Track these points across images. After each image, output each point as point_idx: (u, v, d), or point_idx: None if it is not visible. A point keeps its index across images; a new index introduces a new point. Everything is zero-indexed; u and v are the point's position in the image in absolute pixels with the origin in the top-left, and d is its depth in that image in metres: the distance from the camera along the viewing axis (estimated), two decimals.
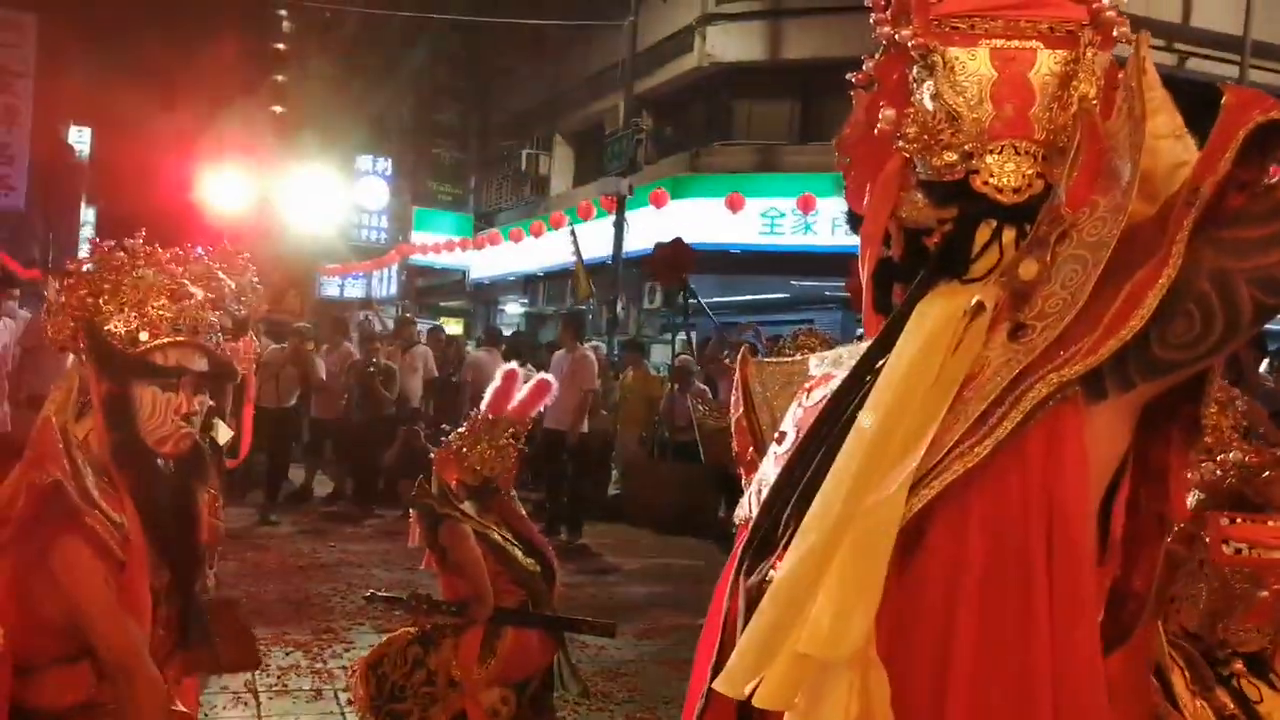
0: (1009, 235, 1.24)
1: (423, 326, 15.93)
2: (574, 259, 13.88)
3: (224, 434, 3.63)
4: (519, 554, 3.91)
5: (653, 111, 17.80)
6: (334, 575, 7.78)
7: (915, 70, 1.27)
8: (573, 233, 14.00)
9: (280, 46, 43.38)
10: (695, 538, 9.62)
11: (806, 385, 1.51)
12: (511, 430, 3.98)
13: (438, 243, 21.47)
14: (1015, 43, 1.22)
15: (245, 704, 5.06)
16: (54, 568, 2.05)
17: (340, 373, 11.24)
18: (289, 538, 9.15)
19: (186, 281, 2.29)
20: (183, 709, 2.45)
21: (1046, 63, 1.22)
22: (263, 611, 6.58)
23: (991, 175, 1.22)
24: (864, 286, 1.41)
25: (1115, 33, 1.23)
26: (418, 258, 22.80)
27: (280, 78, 43.88)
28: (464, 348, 14.08)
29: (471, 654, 3.73)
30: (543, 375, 4.28)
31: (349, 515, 10.43)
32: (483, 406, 4.03)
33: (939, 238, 1.28)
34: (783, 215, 15.26)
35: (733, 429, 1.70)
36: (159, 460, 2.25)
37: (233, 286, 3.65)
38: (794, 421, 1.46)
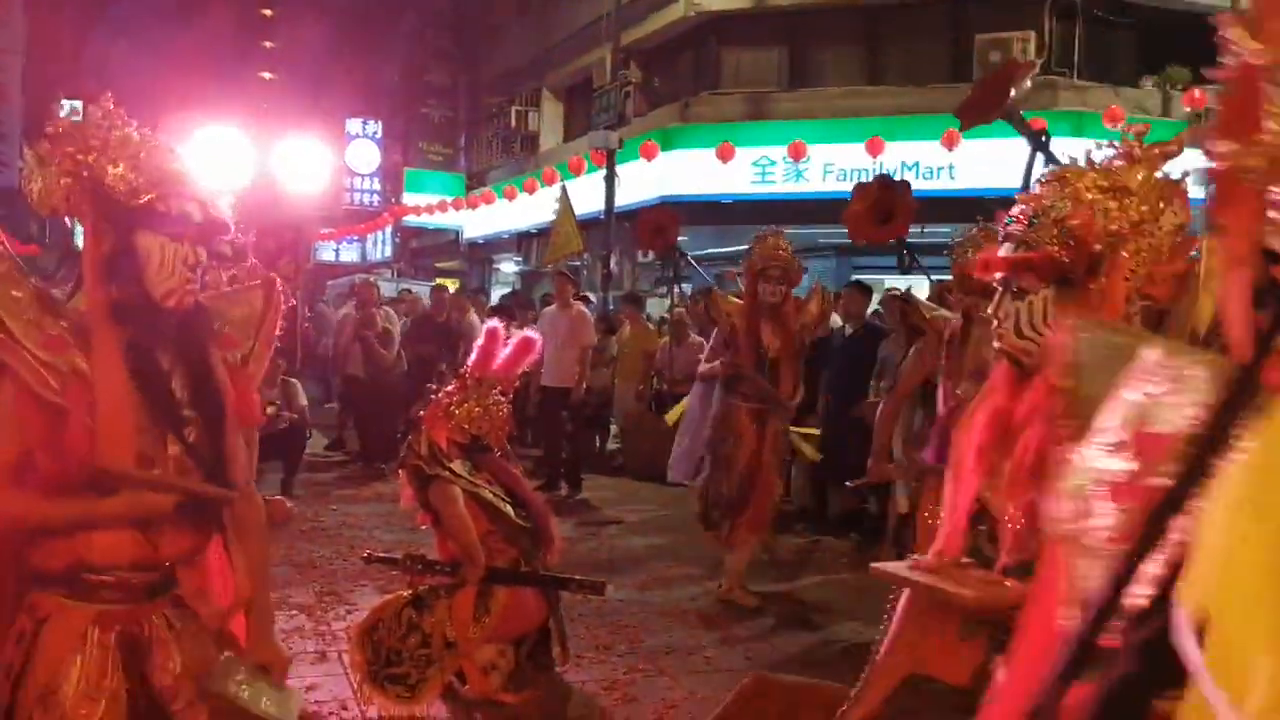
0: None
1: (422, 289, 15.86)
2: (557, 216, 13.74)
3: None
4: (511, 510, 3.94)
5: (640, 63, 17.65)
6: (336, 538, 7.82)
7: (1268, 88, 1.03)
8: (564, 189, 13.90)
9: (268, 12, 42.92)
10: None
11: (1141, 383, 1.25)
12: (499, 388, 4.00)
13: (430, 203, 21.38)
14: None
15: None
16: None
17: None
18: (291, 501, 9.18)
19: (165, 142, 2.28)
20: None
21: None
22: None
23: None
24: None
25: None
26: (411, 219, 22.72)
27: (269, 44, 43.47)
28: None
29: (465, 614, 3.77)
30: (526, 332, 4.25)
31: (351, 477, 10.49)
32: (469, 364, 4.05)
33: None
34: (774, 164, 15.17)
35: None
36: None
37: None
38: (1121, 419, 1.25)
